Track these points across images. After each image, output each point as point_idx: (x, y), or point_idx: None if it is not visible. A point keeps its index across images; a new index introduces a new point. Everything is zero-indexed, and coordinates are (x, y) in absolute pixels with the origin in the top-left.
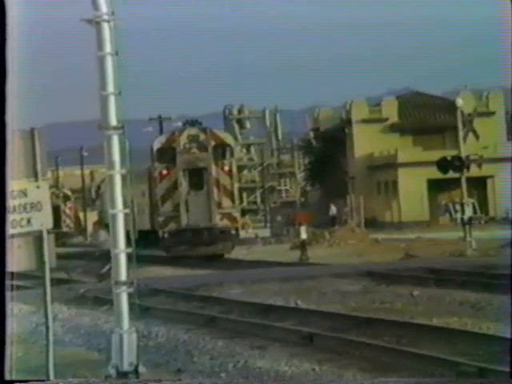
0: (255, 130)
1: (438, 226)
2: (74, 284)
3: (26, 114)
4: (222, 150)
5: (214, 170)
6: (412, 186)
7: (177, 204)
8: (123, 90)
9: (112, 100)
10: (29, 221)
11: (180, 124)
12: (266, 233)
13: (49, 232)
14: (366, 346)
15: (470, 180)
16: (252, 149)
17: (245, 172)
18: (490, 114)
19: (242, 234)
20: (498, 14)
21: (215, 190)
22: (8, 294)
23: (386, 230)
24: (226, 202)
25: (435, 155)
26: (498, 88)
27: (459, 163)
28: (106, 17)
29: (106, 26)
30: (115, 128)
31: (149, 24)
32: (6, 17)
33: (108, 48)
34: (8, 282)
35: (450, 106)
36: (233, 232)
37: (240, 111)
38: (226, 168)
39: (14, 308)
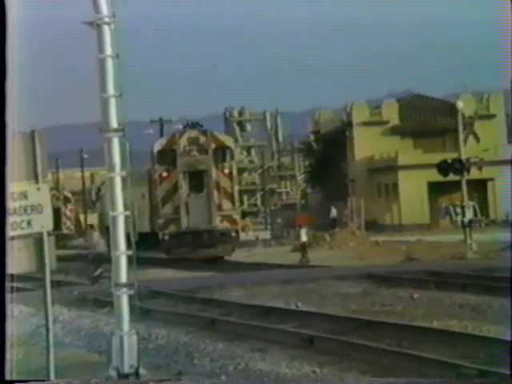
0: (256, 132)
1: (438, 229)
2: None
3: (27, 115)
4: (222, 153)
5: (214, 172)
6: (412, 189)
7: (177, 206)
8: (124, 92)
9: (113, 102)
10: (29, 223)
11: (180, 126)
12: (267, 235)
13: (49, 234)
14: (367, 349)
15: (470, 183)
16: (252, 151)
17: (245, 174)
18: (491, 116)
19: (243, 236)
20: (499, 15)
21: (215, 193)
22: (8, 295)
23: (386, 233)
24: (227, 205)
25: (436, 158)
26: (498, 90)
27: (460, 166)
28: (106, 19)
29: (106, 29)
30: (116, 130)
31: (149, 25)
32: (6, 17)
33: (109, 50)
34: (8, 284)
35: (451, 109)
36: (233, 234)
37: (241, 113)
38: (227, 170)
39: (14, 310)
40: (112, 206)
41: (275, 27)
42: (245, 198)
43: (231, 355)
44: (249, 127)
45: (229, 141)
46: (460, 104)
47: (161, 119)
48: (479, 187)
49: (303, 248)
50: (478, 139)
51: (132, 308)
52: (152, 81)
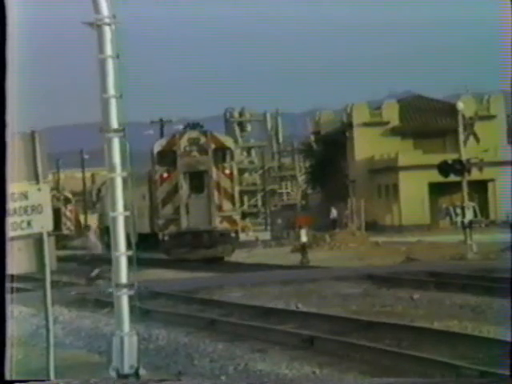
0: (256, 132)
1: (438, 230)
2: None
3: (27, 115)
4: (222, 153)
5: (214, 172)
6: (413, 190)
7: (177, 207)
8: (124, 93)
9: (113, 103)
10: (29, 223)
11: (181, 127)
12: (267, 236)
13: (49, 234)
14: (367, 349)
15: (470, 183)
16: (253, 152)
17: (245, 175)
18: (491, 117)
19: (243, 236)
20: (499, 15)
21: (216, 193)
22: (8, 296)
23: (386, 233)
24: (227, 205)
25: (436, 158)
26: (498, 91)
27: (460, 167)
28: (107, 20)
29: (107, 29)
30: (116, 131)
31: (149, 26)
32: (6, 17)
33: (109, 51)
34: (8, 285)
35: (451, 110)
36: (233, 235)
37: (241, 114)
38: (227, 171)
39: (14, 310)
40: (112, 207)
41: (275, 27)
42: (245, 198)
43: (231, 356)
44: (249, 128)
45: (229, 141)
46: (460, 105)
47: (161, 120)
48: (479, 188)
49: (303, 249)
50: (478, 140)
51: (132, 309)
52: (152, 81)
